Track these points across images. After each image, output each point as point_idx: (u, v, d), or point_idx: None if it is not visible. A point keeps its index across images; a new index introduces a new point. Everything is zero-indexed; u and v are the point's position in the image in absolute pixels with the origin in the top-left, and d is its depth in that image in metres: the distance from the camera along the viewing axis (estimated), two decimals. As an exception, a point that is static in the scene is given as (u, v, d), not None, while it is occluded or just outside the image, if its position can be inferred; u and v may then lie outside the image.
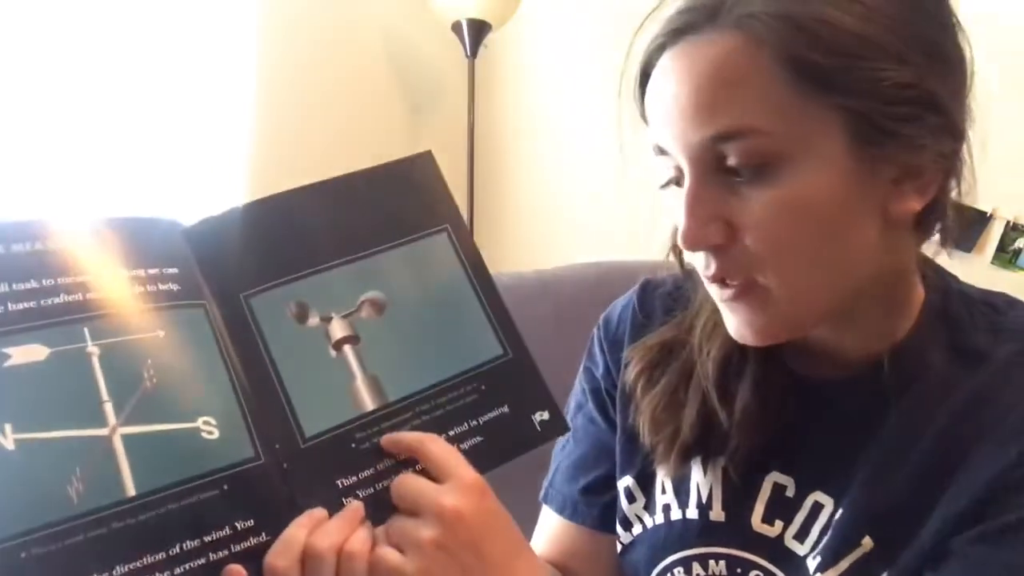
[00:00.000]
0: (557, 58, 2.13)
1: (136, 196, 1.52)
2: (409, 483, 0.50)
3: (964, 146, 0.54)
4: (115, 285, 0.50)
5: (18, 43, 1.39)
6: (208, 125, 1.65)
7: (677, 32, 0.53)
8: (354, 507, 0.50)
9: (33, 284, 0.48)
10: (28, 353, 0.46)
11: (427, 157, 0.61)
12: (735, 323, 0.56)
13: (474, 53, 1.92)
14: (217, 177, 1.64)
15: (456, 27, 1.89)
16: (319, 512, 0.49)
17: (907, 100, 0.50)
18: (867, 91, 0.50)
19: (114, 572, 0.44)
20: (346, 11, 1.95)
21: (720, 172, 0.52)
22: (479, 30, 1.89)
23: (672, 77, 0.53)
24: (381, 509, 0.51)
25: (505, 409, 0.56)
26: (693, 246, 0.54)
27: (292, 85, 1.83)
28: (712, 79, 0.51)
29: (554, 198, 2.15)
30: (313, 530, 0.48)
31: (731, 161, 0.51)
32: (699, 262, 0.56)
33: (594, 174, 2.02)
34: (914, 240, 0.57)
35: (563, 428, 0.58)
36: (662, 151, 0.55)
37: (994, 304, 0.60)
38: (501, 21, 1.92)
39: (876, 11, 0.50)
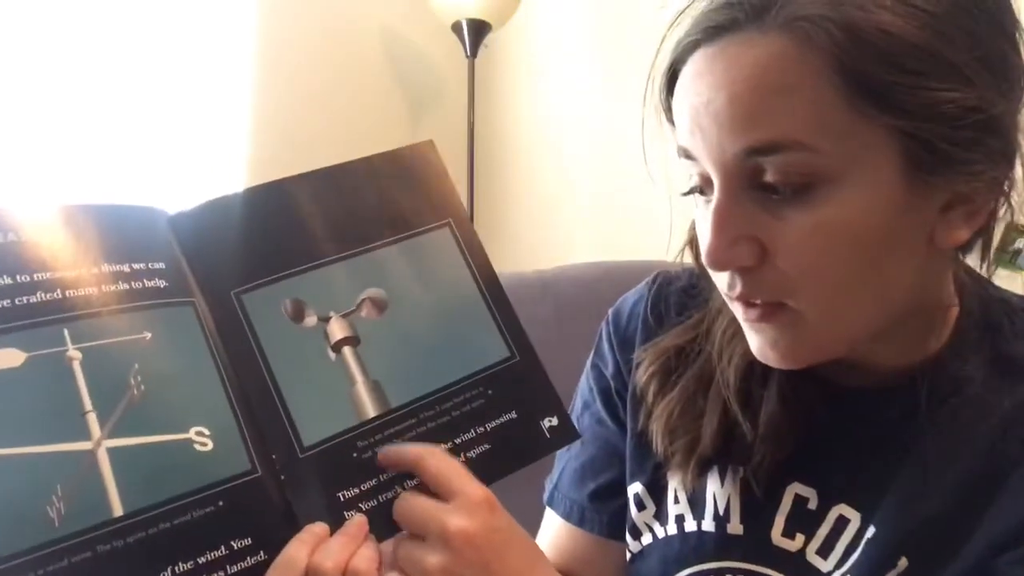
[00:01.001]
0: (557, 58, 2.13)
1: (133, 196, 1.51)
2: (413, 504, 0.48)
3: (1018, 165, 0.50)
4: (97, 281, 0.46)
5: (16, 37, 1.39)
6: (207, 126, 1.64)
7: (716, 29, 0.48)
8: (357, 522, 0.48)
9: (7, 280, 0.44)
10: (3, 358, 0.43)
11: (429, 146, 0.58)
12: (759, 343, 0.52)
13: (474, 53, 1.92)
14: (215, 179, 1.64)
15: (456, 27, 1.89)
16: (320, 528, 0.47)
17: (972, 124, 0.46)
18: (929, 113, 0.45)
19: None
20: (346, 11, 1.96)
21: (754, 187, 0.48)
22: (479, 30, 1.88)
23: (707, 80, 0.48)
24: (385, 523, 0.49)
25: (513, 415, 0.53)
26: (719, 267, 0.50)
27: (291, 85, 1.84)
28: (754, 85, 0.46)
29: (554, 198, 2.14)
30: (315, 548, 0.45)
31: (769, 177, 0.47)
32: (722, 281, 0.52)
33: (594, 174, 2.02)
34: (954, 258, 0.54)
35: (573, 435, 0.56)
36: (688, 155, 0.51)
37: None
38: (501, 21, 1.92)
39: (945, 23, 0.45)
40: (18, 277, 0.44)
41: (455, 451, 0.51)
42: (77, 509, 0.42)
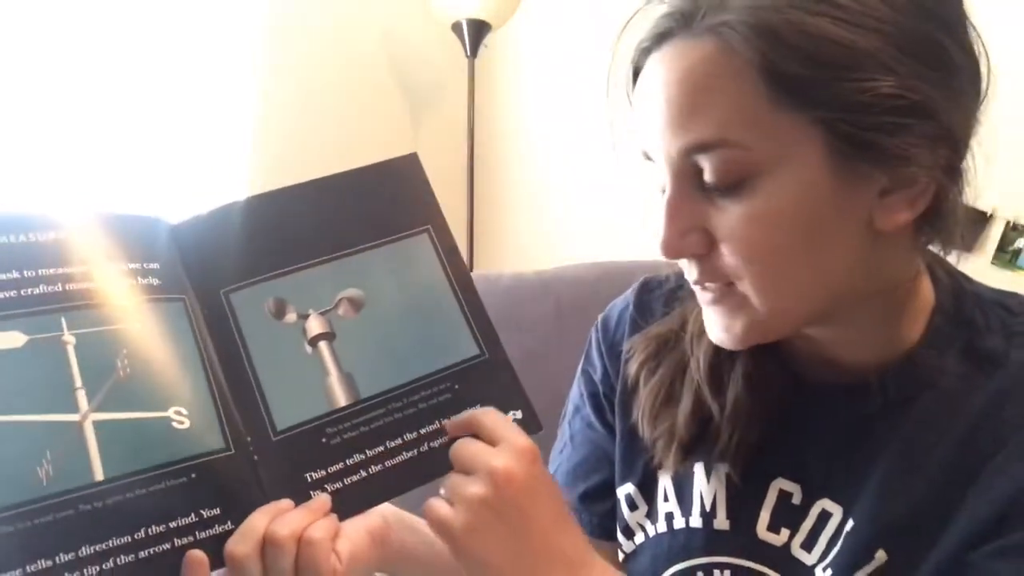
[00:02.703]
0: (557, 58, 2.12)
1: (136, 197, 1.53)
2: (467, 444, 0.52)
3: (967, 151, 0.51)
4: (95, 278, 0.51)
5: (22, 41, 1.39)
6: (209, 125, 1.65)
7: (659, 36, 0.52)
8: (321, 499, 0.51)
9: (15, 274, 0.50)
10: (6, 340, 0.48)
11: (412, 159, 0.62)
12: (713, 327, 0.56)
13: (474, 53, 1.92)
14: (218, 178, 1.65)
15: (456, 27, 1.89)
16: (285, 502, 0.50)
17: (892, 110, 0.47)
18: (845, 103, 0.47)
19: (80, 553, 0.45)
20: (346, 11, 1.96)
21: (699, 183, 0.51)
22: (479, 30, 1.88)
23: (653, 83, 0.52)
24: (349, 504, 0.52)
25: (478, 408, 0.57)
26: (672, 256, 0.54)
27: (293, 85, 1.84)
28: (685, 88, 0.50)
29: (554, 198, 2.14)
30: (275, 518, 0.49)
31: (706, 175, 0.50)
32: (684, 267, 0.56)
33: (593, 174, 2.01)
34: (914, 245, 0.54)
35: (535, 428, 0.58)
36: (647, 156, 0.55)
37: (1008, 306, 0.57)
38: (501, 21, 1.91)
39: (863, 15, 0.47)
40: (24, 272, 0.50)
41: (419, 441, 0.54)
42: (63, 472, 0.46)
